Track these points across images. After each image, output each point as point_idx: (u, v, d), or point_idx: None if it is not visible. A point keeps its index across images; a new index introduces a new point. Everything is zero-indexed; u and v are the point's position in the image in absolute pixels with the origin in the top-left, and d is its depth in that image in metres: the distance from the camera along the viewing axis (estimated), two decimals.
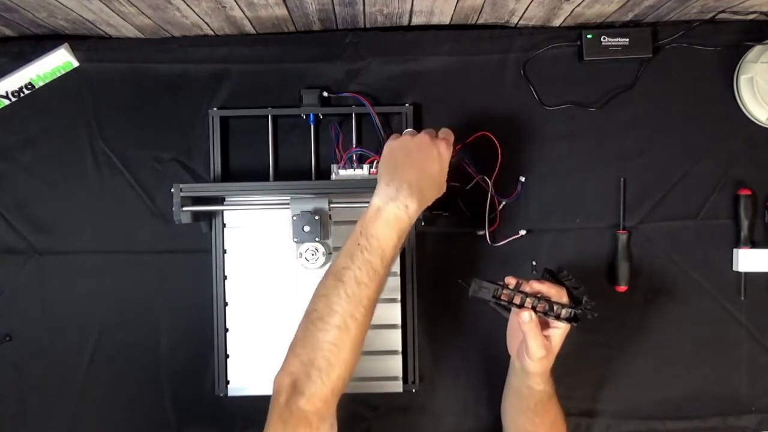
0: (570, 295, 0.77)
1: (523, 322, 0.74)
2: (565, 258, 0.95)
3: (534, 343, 0.74)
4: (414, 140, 0.77)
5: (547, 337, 0.76)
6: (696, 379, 0.96)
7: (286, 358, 0.70)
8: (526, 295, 0.75)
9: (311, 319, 0.70)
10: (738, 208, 0.94)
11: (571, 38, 0.94)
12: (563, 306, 0.75)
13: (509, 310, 0.79)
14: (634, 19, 0.94)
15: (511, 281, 0.77)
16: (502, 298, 0.76)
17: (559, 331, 0.76)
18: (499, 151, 0.92)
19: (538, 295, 0.75)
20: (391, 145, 0.78)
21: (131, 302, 0.96)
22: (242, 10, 0.85)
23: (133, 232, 0.96)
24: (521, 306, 0.75)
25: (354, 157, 0.91)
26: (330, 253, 0.87)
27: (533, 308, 0.74)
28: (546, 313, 0.75)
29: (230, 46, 0.95)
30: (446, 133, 0.80)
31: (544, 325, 0.76)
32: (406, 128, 0.93)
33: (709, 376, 0.96)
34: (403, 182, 0.73)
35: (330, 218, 0.87)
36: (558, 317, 0.75)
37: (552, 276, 0.81)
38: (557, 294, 0.76)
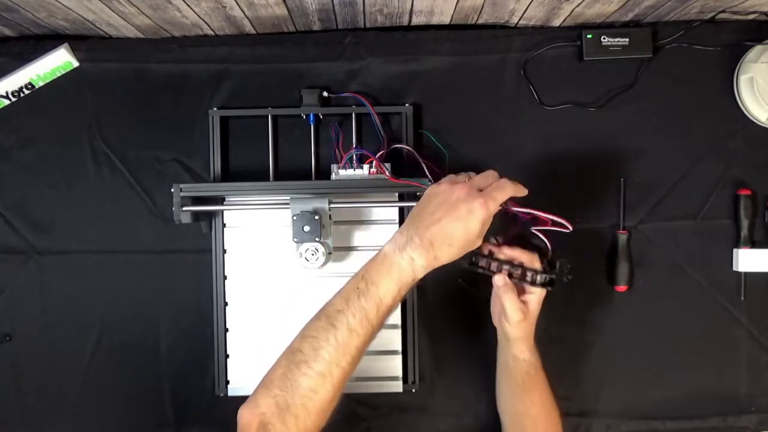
0: (544, 259, 0.79)
1: (497, 287, 0.77)
2: (564, 258, 0.95)
3: (510, 306, 0.76)
4: (451, 190, 0.70)
5: (524, 303, 0.78)
6: (696, 379, 0.96)
7: (257, 392, 0.65)
8: (501, 262, 0.78)
9: (295, 360, 0.65)
10: (738, 208, 0.94)
11: (571, 38, 0.94)
12: (537, 272, 0.77)
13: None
14: (634, 19, 0.94)
15: (484, 248, 0.79)
16: (479, 264, 0.79)
17: (535, 296, 0.79)
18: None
19: (514, 262, 0.78)
20: (429, 192, 0.72)
21: (131, 302, 0.96)
22: (242, 10, 0.85)
23: (133, 232, 0.96)
24: (497, 272, 0.78)
25: (354, 157, 0.91)
26: (330, 253, 0.87)
27: (509, 275, 0.77)
28: (521, 279, 0.78)
29: (230, 46, 0.95)
30: (497, 188, 0.70)
31: (521, 291, 0.79)
32: (406, 128, 0.93)
33: (709, 376, 0.96)
34: (416, 235, 0.68)
35: (330, 218, 0.87)
36: (533, 283, 0.78)
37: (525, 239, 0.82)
38: (529, 260, 0.78)
